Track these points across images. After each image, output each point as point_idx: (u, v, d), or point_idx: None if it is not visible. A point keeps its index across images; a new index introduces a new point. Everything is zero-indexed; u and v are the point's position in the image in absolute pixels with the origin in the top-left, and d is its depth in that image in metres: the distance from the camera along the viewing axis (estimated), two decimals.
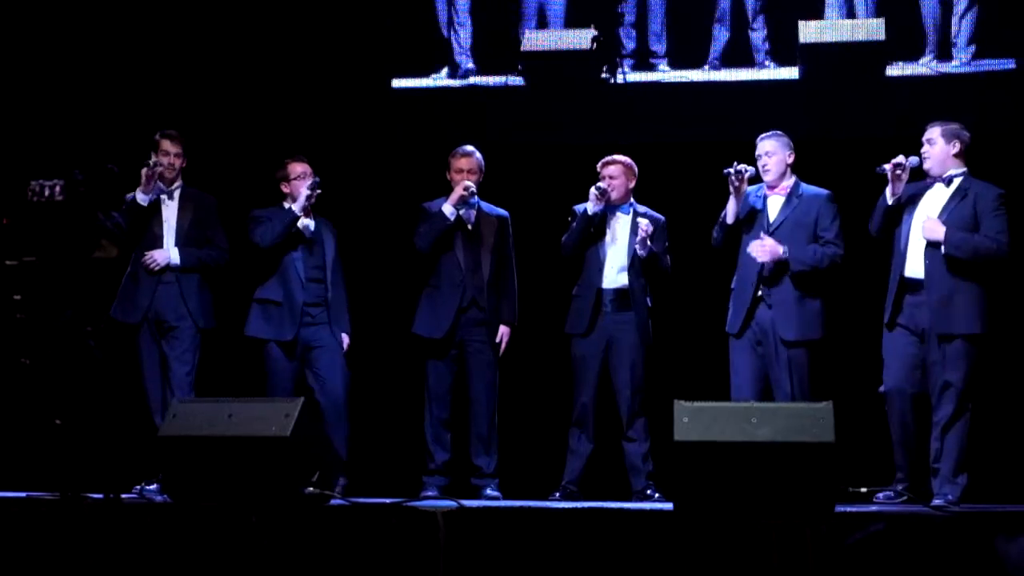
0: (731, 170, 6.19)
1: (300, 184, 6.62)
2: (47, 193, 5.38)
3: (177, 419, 5.41)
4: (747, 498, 4.93)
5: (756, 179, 6.31)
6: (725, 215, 6.30)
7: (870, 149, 6.30)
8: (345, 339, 6.73)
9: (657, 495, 6.42)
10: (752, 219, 6.31)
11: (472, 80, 7.80)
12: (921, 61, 7.39)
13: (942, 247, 5.83)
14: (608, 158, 6.66)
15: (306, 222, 6.67)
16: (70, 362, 5.45)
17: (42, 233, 5.41)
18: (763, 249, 6.19)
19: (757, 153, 6.32)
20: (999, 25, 7.29)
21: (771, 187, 6.33)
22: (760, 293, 6.24)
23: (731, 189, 6.22)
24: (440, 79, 7.83)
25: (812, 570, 4.72)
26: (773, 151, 6.30)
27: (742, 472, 4.94)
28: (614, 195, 6.59)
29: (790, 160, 6.33)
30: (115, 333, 6.39)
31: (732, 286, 6.38)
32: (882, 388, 6.04)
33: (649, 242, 6.48)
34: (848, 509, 5.14)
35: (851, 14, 7.47)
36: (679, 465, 5.01)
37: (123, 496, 5.38)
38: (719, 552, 4.79)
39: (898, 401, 5.98)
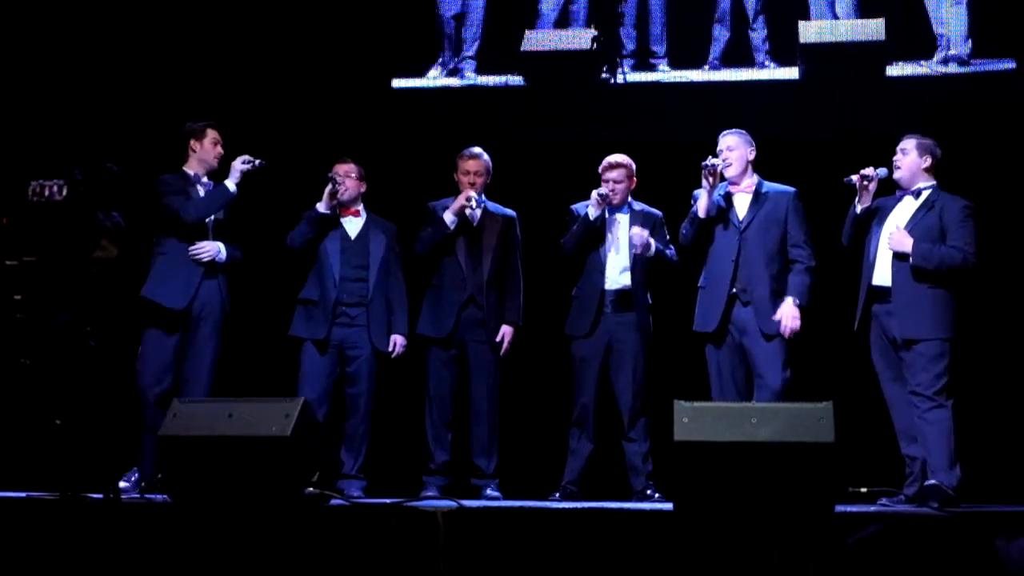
0: (707, 163, 6.22)
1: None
2: (47, 193, 5.36)
3: (177, 419, 5.41)
4: (747, 498, 4.93)
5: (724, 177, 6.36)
6: (696, 211, 6.34)
7: (870, 149, 6.30)
8: (397, 340, 6.68)
9: (657, 495, 6.42)
10: (719, 216, 6.34)
11: (472, 80, 7.80)
12: (921, 61, 7.39)
13: (909, 259, 5.89)
14: (611, 161, 6.63)
15: (351, 220, 6.70)
16: (70, 362, 5.44)
17: (42, 233, 5.40)
18: (795, 320, 6.18)
19: (719, 148, 6.37)
20: (998, 25, 7.29)
21: (734, 183, 6.37)
22: (735, 290, 6.27)
23: (705, 183, 6.25)
24: (440, 79, 7.84)
25: (812, 570, 4.72)
26: (735, 146, 6.35)
27: (742, 472, 4.94)
28: (616, 199, 6.60)
29: (751, 156, 6.38)
30: (121, 313, 6.31)
31: (700, 284, 6.40)
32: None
33: (651, 245, 6.50)
34: (848, 509, 5.15)
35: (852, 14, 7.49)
36: (679, 465, 5.02)
37: (123, 496, 5.38)
38: (719, 552, 4.79)
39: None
